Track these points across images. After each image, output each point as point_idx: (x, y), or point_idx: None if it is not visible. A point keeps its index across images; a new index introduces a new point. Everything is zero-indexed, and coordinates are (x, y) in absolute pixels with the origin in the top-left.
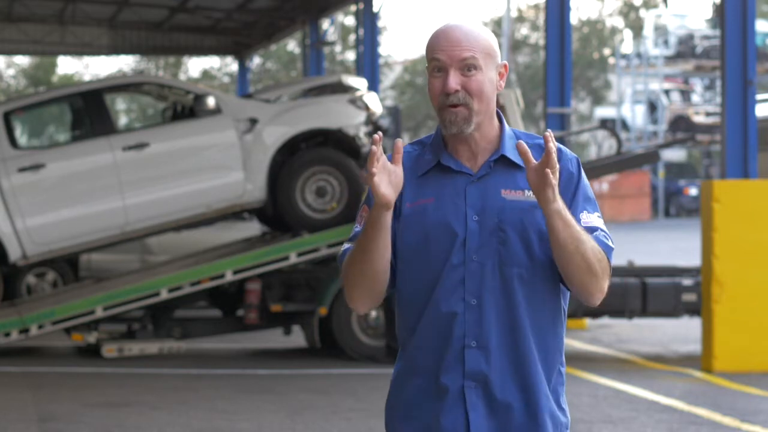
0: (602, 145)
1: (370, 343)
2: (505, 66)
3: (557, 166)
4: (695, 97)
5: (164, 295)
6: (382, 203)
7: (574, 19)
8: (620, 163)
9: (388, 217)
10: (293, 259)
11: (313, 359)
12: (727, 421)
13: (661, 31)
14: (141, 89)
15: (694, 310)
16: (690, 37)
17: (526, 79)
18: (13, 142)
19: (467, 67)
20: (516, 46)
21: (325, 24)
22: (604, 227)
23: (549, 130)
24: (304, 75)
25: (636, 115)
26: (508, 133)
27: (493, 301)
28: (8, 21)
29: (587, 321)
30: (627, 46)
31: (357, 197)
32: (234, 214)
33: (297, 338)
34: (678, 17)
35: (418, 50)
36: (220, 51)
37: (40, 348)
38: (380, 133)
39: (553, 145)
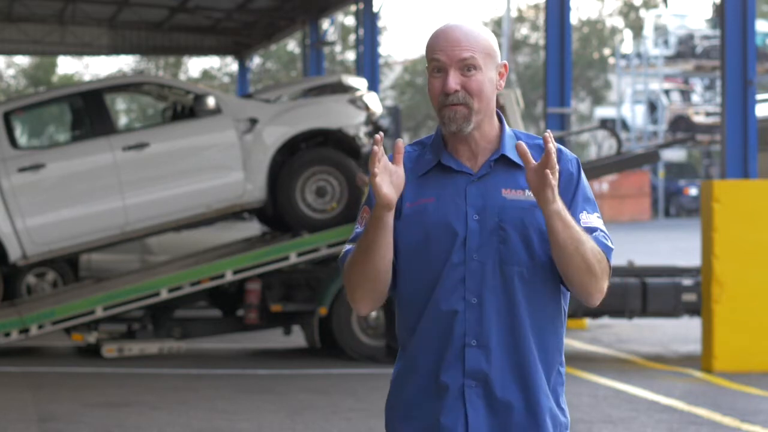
0: (602, 145)
1: (370, 343)
2: (505, 66)
3: (557, 166)
4: (695, 97)
5: (164, 295)
6: (384, 204)
7: (574, 19)
8: (620, 163)
9: (390, 217)
10: (293, 259)
11: (313, 359)
12: (727, 421)
13: (661, 31)
14: (141, 89)
15: (694, 310)
16: (690, 37)
17: (526, 79)
18: (13, 142)
19: (467, 67)
20: (516, 46)
21: (325, 24)
22: (603, 228)
23: (549, 130)
24: (304, 75)
25: (636, 115)
26: (508, 133)
27: (493, 300)
28: (8, 21)
29: (587, 321)
30: (627, 46)
31: (357, 197)
32: (234, 214)
33: (297, 338)
34: (678, 17)
35: (418, 50)
36: (220, 51)
37: (40, 348)
38: (381, 133)
39: (553, 146)
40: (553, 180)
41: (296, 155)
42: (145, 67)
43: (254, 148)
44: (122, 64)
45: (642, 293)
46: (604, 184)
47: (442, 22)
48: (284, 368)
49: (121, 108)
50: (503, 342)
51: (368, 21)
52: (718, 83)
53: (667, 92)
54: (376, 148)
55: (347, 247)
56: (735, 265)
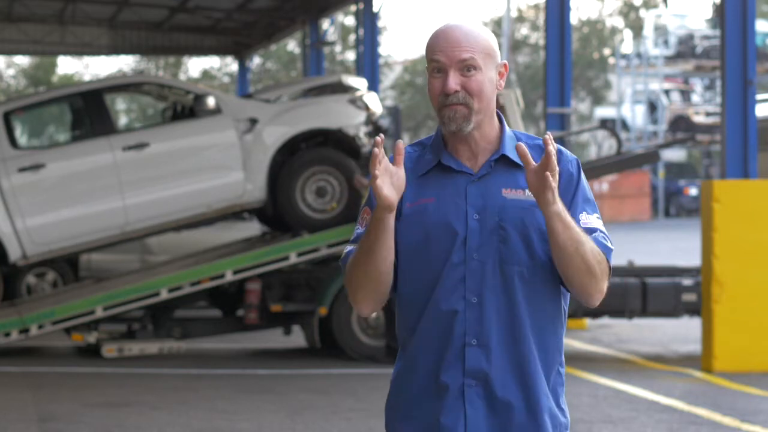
0: (602, 145)
1: (370, 343)
2: (504, 65)
3: (557, 168)
4: (695, 97)
5: (164, 295)
6: (385, 206)
7: (574, 19)
8: (620, 163)
9: (391, 219)
10: (293, 259)
11: (313, 359)
12: (727, 421)
13: (661, 31)
14: (141, 89)
15: (694, 310)
16: (690, 37)
17: (526, 79)
18: (13, 142)
19: (467, 67)
20: (516, 46)
21: (325, 24)
22: (603, 228)
23: (549, 132)
24: (304, 75)
25: (636, 115)
26: (509, 134)
27: (493, 300)
28: (8, 21)
29: (587, 321)
30: (627, 46)
31: (357, 197)
32: (234, 214)
33: (297, 338)
34: (678, 17)
35: (418, 50)
36: (220, 51)
37: (40, 348)
38: (382, 135)
39: (553, 147)
40: (553, 182)
41: (296, 155)
42: (145, 67)
43: (254, 148)
44: (122, 64)
45: (642, 293)
46: (604, 184)
47: (442, 22)
48: (284, 368)
49: (121, 108)
50: (503, 341)
51: (368, 21)
52: (718, 83)
53: (667, 92)
54: (376, 150)
55: (348, 248)
56: (735, 265)
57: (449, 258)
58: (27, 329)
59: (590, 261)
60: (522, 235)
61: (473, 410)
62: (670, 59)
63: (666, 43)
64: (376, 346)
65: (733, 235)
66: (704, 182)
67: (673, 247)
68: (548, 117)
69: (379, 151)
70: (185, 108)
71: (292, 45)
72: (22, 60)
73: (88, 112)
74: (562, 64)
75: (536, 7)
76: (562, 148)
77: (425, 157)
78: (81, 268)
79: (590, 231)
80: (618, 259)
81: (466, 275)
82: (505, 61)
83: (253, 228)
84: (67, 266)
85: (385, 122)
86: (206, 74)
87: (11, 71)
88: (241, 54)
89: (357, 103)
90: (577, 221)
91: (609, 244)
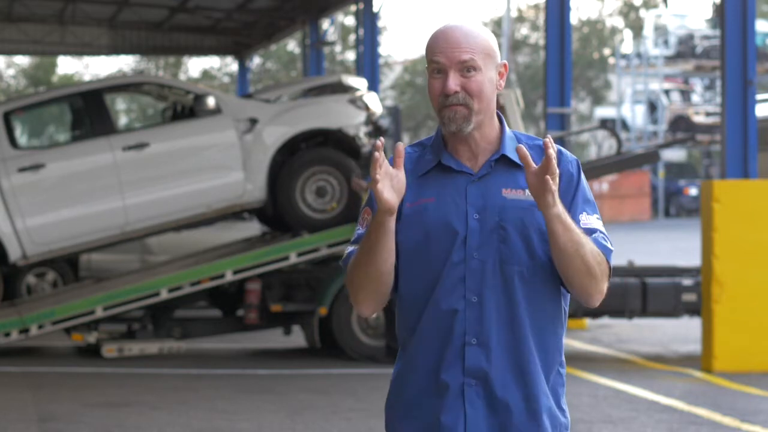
0: (602, 145)
1: (370, 343)
2: (504, 65)
3: (557, 171)
4: (695, 97)
5: (164, 295)
6: (386, 209)
7: (574, 19)
8: (620, 163)
9: (392, 221)
10: (293, 259)
11: (313, 359)
12: (727, 421)
13: (661, 31)
14: (141, 89)
15: (694, 310)
16: (690, 37)
17: (526, 79)
18: (13, 142)
19: (467, 68)
20: (516, 46)
21: (325, 24)
22: (603, 229)
23: (549, 135)
24: (304, 75)
25: (636, 115)
26: (509, 134)
27: (493, 299)
28: (8, 21)
29: (587, 321)
30: (627, 46)
31: (356, 197)
32: (234, 214)
33: (297, 338)
34: (678, 17)
35: (418, 50)
36: (220, 51)
37: (40, 348)
38: (382, 139)
39: (553, 151)
40: (554, 185)
41: (296, 155)
42: (145, 67)
43: (254, 148)
44: (122, 64)
45: (642, 293)
46: (604, 184)
47: (442, 23)
48: (284, 368)
49: (121, 108)
50: (503, 341)
51: (368, 21)
52: (718, 83)
53: (667, 92)
54: (377, 154)
55: (349, 248)
56: (735, 265)
57: (449, 257)
58: (27, 329)
59: (590, 262)
60: (522, 235)
61: (473, 409)
62: (670, 59)
63: (666, 43)
64: (376, 346)
65: (733, 235)
66: (704, 182)
67: (673, 247)
68: (548, 117)
69: (380, 155)
70: (185, 108)
71: (292, 45)
72: (22, 60)
73: (88, 112)
74: (562, 64)
75: (536, 7)
76: (562, 148)
77: (425, 157)
78: (81, 268)
79: (590, 232)
80: (618, 259)
81: (466, 275)
82: (505, 61)
83: (253, 228)
84: (67, 266)
85: (385, 122)
86: (206, 74)
87: (11, 71)
88: (241, 54)
89: (357, 103)
90: (577, 222)
91: (609, 245)
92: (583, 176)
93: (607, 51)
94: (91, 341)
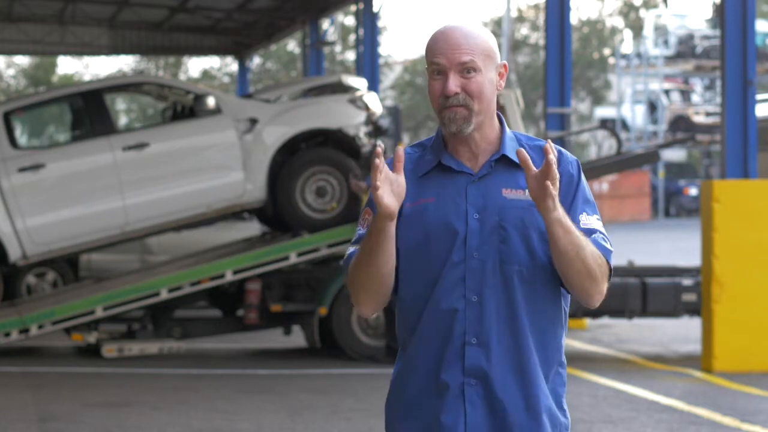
0: (602, 145)
1: (370, 343)
2: (504, 66)
3: (557, 176)
4: (695, 97)
5: (164, 295)
6: (386, 214)
7: (574, 19)
8: (620, 163)
9: (392, 226)
10: (293, 259)
11: (313, 359)
12: (727, 421)
13: (661, 31)
14: (141, 89)
15: (694, 310)
16: (690, 37)
17: (526, 79)
18: (13, 142)
19: (467, 69)
20: (516, 46)
21: (325, 24)
22: (603, 229)
23: (549, 140)
24: (304, 75)
25: (636, 115)
26: (509, 134)
27: (493, 299)
28: (8, 21)
29: (587, 321)
30: (627, 46)
31: (356, 197)
32: (234, 214)
33: (297, 338)
34: (678, 17)
35: (418, 50)
36: (220, 51)
37: (40, 348)
38: (382, 145)
39: (554, 156)
40: (554, 190)
41: (296, 155)
42: (145, 67)
43: (254, 148)
44: (122, 64)
45: (642, 293)
46: (604, 184)
47: (442, 23)
48: (284, 368)
49: (121, 108)
50: (503, 341)
51: (368, 21)
52: (718, 83)
53: (667, 92)
54: (377, 161)
55: (350, 249)
56: (735, 265)
57: (449, 257)
58: (27, 329)
59: (591, 264)
60: (522, 234)
61: (473, 409)
62: (670, 59)
63: (666, 43)
64: (376, 346)
65: (733, 235)
66: (704, 182)
67: (673, 247)
68: (548, 117)
69: (380, 161)
70: (185, 108)
71: (292, 45)
72: (22, 60)
73: (88, 112)
74: (562, 64)
75: (536, 7)
76: (562, 149)
77: (425, 157)
78: (81, 268)
79: (590, 232)
80: (618, 259)
81: (466, 274)
82: (505, 62)
83: (253, 228)
84: (67, 266)
85: (385, 122)
86: (206, 74)
87: (11, 71)
88: (241, 54)
89: (357, 103)
90: (577, 222)
91: (608, 246)
92: (583, 177)
93: (607, 51)
94: (91, 341)
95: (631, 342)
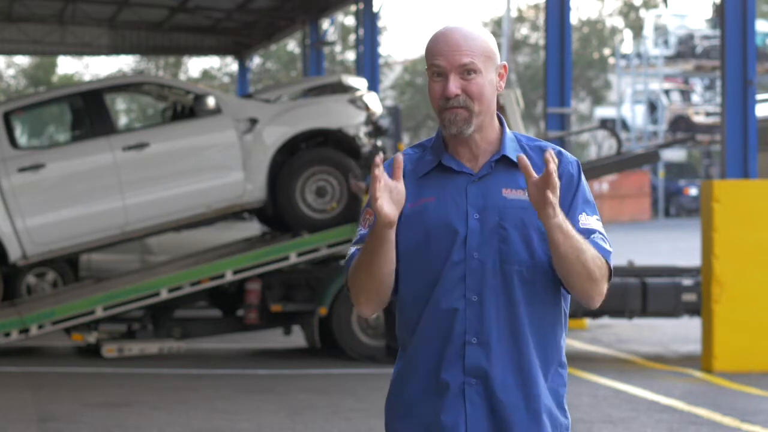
0: (602, 145)
1: (370, 343)
2: (504, 67)
3: (557, 184)
4: (695, 97)
5: (164, 295)
6: (386, 223)
7: (574, 19)
8: (620, 163)
9: (392, 233)
10: (293, 259)
11: (313, 359)
12: (727, 421)
13: (661, 31)
14: (141, 89)
15: (694, 310)
16: (690, 37)
17: (526, 79)
18: (13, 142)
19: (467, 71)
20: (516, 46)
21: (325, 24)
22: (602, 230)
23: (550, 149)
24: (304, 75)
25: (636, 115)
26: (509, 135)
27: (493, 299)
28: (8, 21)
29: (587, 321)
30: (627, 46)
31: (356, 197)
32: (234, 214)
33: (297, 338)
34: (678, 17)
35: (418, 50)
36: (220, 51)
37: (40, 348)
38: (381, 155)
39: (554, 164)
40: (554, 199)
41: (296, 155)
42: (145, 67)
43: (254, 148)
44: (122, 64)
45: (642, 293)
46: (604, 184)
47: (442, 23)
48: (284, 368)
49: (121, 108)
50: (503, 340)
51: (368, 21)
52: (718, 83)
53: (667, 92)
54: (376, 171)
55: (352, 249)
56: (735, 265)
57: (449, 257)
58: (27, 329)
59: (591, 267)
60: (522, 234)
61: (473, 409)
62: (670, 59)
63: (666, 43)
64: (376, 346)
65: (733, 235)
66: (704, 182)
67: (673, 247)
68: (548, 117)
69: (379, 171)
70: (185, 108)
71: (292, 45)
72: (22, 60)
73: (88, 112)
74: (562, 64)
75: (536, 7)
76: (563, 150)
77: (426, 158)
78: (81, 268)
79: (589, 232)
80: (618, 259)
81: (467, 274)
82: (505, 62)
83: (253, 228)
84: (67, 266)
85: (385, 122)
86: (206, 74)
87: (11, 71)
88: (241, 54)
89: (357, 103)
90: (577, 222)
91: (608, 246)
92: (583, 177)
93: (607, 51)
94: (91, 341)
95: (631, 342)
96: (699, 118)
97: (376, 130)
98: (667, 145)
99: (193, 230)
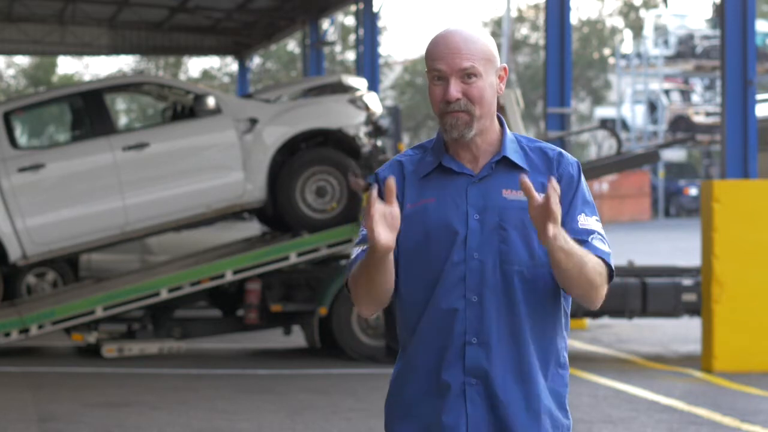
0: (602, 145)
1: (370, 343)
2: (504, 69)
3: (558, 210)
4: (695, 97)
5: (164, 295)
6: (383, 251)
7: (574, 19)
8: (620, 163)
9: (390, 257)
10: (293, 259)
11: (313, 359)
12: (727, 421)
13: (661, 31)
14: (141, 89)
15: (694, 310)
16: (690, 37)
17: (526, 79)
18: (13, 142)
19: (467, 75)
20: (516, 46)
21: (325, 24)
22: (601, 230)
23: (553, 178)
24: (304, 75)
25: (636, 115)
26: (509, 136)
27: (493, 299)
28: (8, 21)
29: (587, 321)
30: (627, 46)
31: (356, 197)
32: (234, 214)
33: (297, 338)
34: (678, 17)
35: (418, 50)
36: (220, 51)
37: (40, 348)
38: (376, 187)
39: (556, 196)
40: (554, 229)
41: (296, 155)
42: (145, 67)
43: (254, 148)
44: (122, 64)
45: (642, 293)
46: (604, 184)
47: (442, 24)
48: (284, 368)
49: (121, 108)
50: (504, 340)
51: (368, 21)
52: (718, 83)
53: (667, 92)
54: (372, 200)
55: (355, 252)
56: (735, 265)
57: (450, 257)
58: (27, 329)
59: (592, 277)
60: (522, 235)
61: (474, 409)
62: (670, 59)
63: (666, 43)
64: (376, 346)
65: (733, 235)
66: (704, 182)
67: (673, 247)
68: (548, 117)
69: (372, 201)
70: (185, 108)
71: (292, 45)
72: (22, 60)
73: (88, 112)
74: (562, 64)
75: (536, 7)
76: (563, 151)
77: (426, 159)
78: (81, 268)
79: (588, 233)
80: (618, 259)
81: (467, 274)
82: (505, 65)
83: (253, 228)
84: (67, 266)
85: (385, 122)
86: (206, 74)
87: (11, 71)
88: (241, 54)
89: (357, 103)
90: (576, 222)
91: (607, 248)
92: (583, 178)
93: (607, 51)
94: (91, 341)
95: (631, 342)
96: (699, 118)
97: (376, 130)
98: (667, 145)
99: (193, 230)
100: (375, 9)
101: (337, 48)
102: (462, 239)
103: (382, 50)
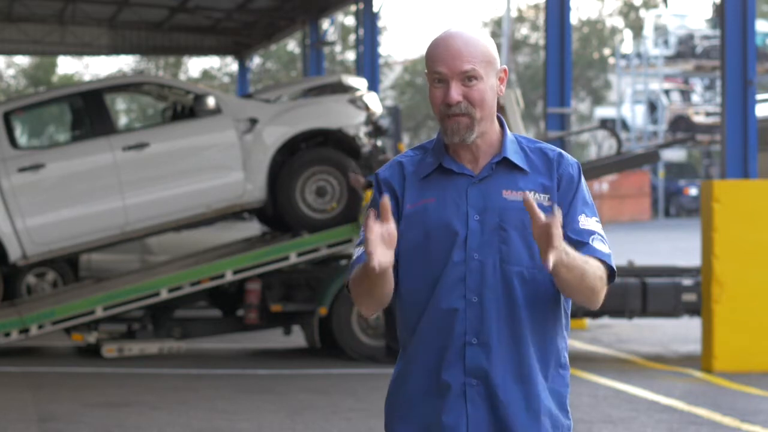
0: (602, 145)
1: (370, 343)
2: (504, 70)
3: (560, 234)
4: (695, 97)
5: (164, 295)
6: (381, 271)
7: (574, 19)
8: (620, 163)
9: (389, 269)
10: (293, 259)
11: (313, 359)
12: (727, 421)
13: (661, 31)
14: (141, 89)
15: (694, 310)
16: (690, 37)
17: (526, 79)
18: (13, 142)
19: (468, 78)
20: (516, 46)
21: (325, 24)
22: (601, 231)
23: (557, 205)
24: (304, 75)
25: (636, 115)
26: (509, 137)
27: (493, 299)
28: (8, 21)
29: (587, 321)
30: (627, 46)
31: (356, 197)
32: (234, 214)
33: (297, 338)
34: (678, 17)
35: (418, 50)
36: (220, 51)
37: (40, 348)
38: (373, 211)
39: (559, 228)
40: (556, 254)
41: (296, 155)
42: (145, 67)
43: (254, 148)
44: (122, 64)
45: (642, 293)
46: (604, 184)
47: (442, 24)
48: (284, 368)
49: (121, 108)
50: (504, 340)
51: (368, 21)
52: (718, 83)
53: (667, 92)
54: (369, 222)
55: (357, 253)
56: (735, 265)
57: (450, 257)
58: (27, 329)
59: (593, 284)
60: (522, 235)
61: (474, 409)
62: (670, 59)
63: (666, 43)
64: (376, 346)
65: (733, 235)
66: (704, 182)
67: (673, 247)
68: (548, 117)
69: (370, 225)
70: (185, 108)
71: (292, 45)
72: (22, 60)
73: (88, 112)
74: (562, 64)
75: (536, 7)
76: (564, 152)
77: (426, 160)
78: (81, 268)
79: (588, 234)
80: (618, 259)
81: (467, 274)
82: (505, 66)
83: (253, 228)
84: (67, 266)
85: (385, 122)
86: (206, 74)
87: (11, 71)
88: (241, 54)
89: (357, 103)
90: (576, 223)
91: (606, 249)
92: (583, 179)
93: (607, 51)
94: (91, 341)
95: (631, 342)
96: (699, 118)
97: (376, 130)
98: (667, 145)
99: (193, 230)
100: (375, 9)
101: (337, 48)
102: (462, 240)
103: (382, 50)
